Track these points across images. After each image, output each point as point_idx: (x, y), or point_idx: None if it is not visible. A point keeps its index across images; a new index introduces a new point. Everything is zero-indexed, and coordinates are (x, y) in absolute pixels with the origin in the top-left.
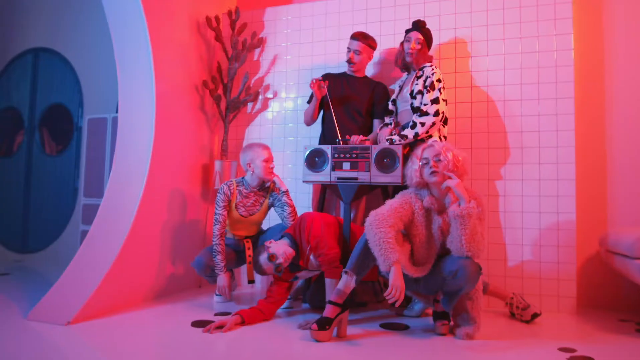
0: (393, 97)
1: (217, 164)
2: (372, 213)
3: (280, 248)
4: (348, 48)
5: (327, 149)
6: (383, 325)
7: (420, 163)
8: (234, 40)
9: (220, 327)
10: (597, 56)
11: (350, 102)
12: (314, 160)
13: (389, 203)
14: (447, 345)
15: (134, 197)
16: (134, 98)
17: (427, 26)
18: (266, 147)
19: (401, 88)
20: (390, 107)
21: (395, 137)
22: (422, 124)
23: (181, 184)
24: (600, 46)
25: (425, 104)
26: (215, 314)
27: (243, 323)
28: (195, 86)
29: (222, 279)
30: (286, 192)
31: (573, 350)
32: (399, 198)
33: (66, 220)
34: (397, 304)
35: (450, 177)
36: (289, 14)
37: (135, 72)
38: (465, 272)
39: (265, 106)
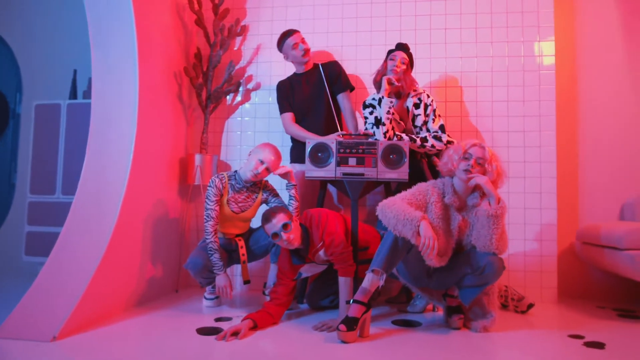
0: (387, 111)
1: (198, 158)
2: (382, 201)
3: (297, 232)
4: (298, 44)
5: (332, 143)
6: (395, 323)
7: (462, 156)
8: (220, 25)
9: (235, 333)
10: (570, 62)
11: (314, 98)
12: (316, 156)
13: (401, 193)
14: (468, 338)
15: (115, 194)
16: (112, 83)
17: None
18: (274, 153)
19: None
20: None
21: (405, 136)
22: (433, 146)
23: (161, 179)
24: (572, 52)
25: (435, 131)
26: (216, 320)
27: (255, 327)
28: (174, 73)
29: (223, 278)
30: (295, 187)
31: (582, 337)
32: (413, 189)
33: (0, 220)
34: (431, 254)
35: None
36: (274, 2)
37: (112, 55)
38: (493, 268)
39: (247, 98)
